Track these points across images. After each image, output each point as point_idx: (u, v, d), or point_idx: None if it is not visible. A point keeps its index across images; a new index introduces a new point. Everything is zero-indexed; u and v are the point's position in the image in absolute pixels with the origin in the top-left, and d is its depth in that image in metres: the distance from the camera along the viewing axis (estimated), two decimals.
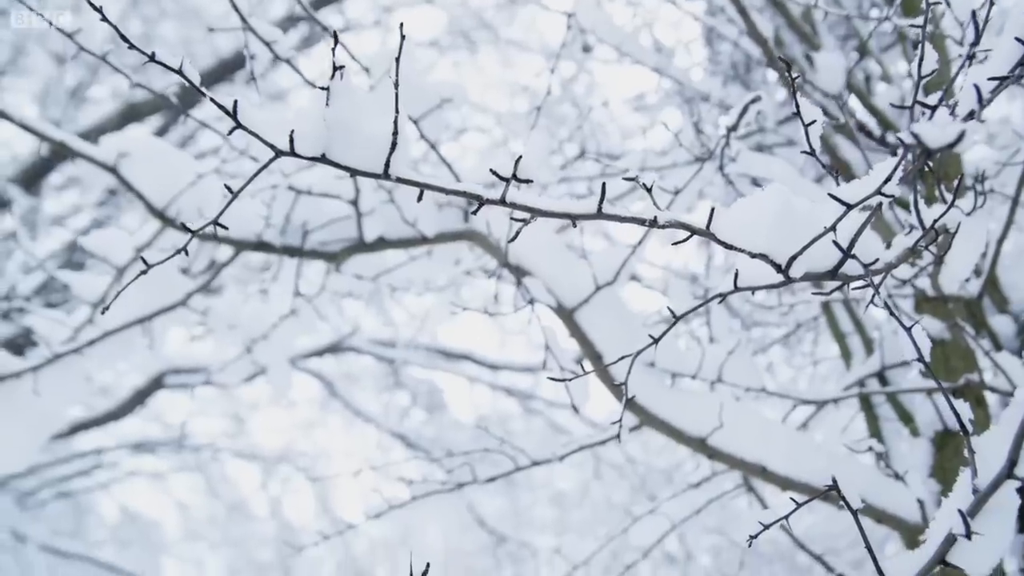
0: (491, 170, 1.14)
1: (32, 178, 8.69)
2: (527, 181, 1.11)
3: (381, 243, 2.40)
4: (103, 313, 1.16)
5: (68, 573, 10.03)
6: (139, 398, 9.68)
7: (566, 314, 2.30)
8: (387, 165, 1.15)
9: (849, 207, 1.23)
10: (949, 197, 1.37)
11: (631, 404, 2.33)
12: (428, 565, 1.17)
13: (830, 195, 1.20)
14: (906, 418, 3.17)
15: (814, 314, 4.65)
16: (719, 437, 2.41)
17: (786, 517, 1.33)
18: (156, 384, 9.66)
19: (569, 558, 3.08)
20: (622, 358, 1.43)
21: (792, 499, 1.34)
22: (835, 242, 1.19)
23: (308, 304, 2.51)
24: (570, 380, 1.36)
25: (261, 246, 2.35)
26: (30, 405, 2.50)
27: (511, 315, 2.22)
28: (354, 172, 1.15)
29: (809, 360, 4.52)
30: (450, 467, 2.51)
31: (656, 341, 1.42)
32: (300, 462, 10.62)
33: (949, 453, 2.90)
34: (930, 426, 2.95)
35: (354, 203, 2.30)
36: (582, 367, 2.11)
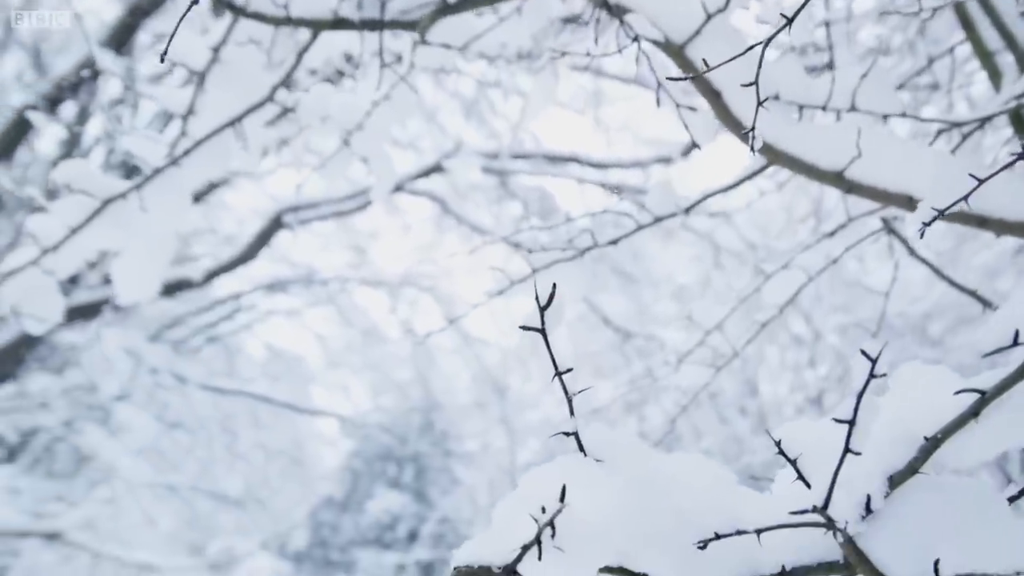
0: None
1: (122, 39, 8.70)
2: None
3: (465, 2, 2.20)
4: (162, 60, 1.04)
5: (228, 407, 10.84)
6: (262, 240, 9.98)
7: (675, 50, 2.07)
8: None
9: None
10: None
11: (763, 147, 2.12)
12: (570, 370, 1.08)
13: None
14: None
15: (950, 44, 4.19)
16: (857, 168, 2.18)
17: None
18: (276, 224, 9.93)
19: (701, 324, 2.98)
20: (750, 47, 1.23)
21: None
22: None
23: (401, 81, 2.35)
24: (688, 78, 1.18)
25: (339, 23, 2.19)
26: (142, 225, 2.50)
27: (615, 55, 2.01)
28: None
29: (944, 96, 4.11)
30: (570, 235, 2.39)
31: (790, 21, 1.21)
32: (424, 283, 10.87)
33: None
34: None
35: None
36: (698, 72, 1.90)
